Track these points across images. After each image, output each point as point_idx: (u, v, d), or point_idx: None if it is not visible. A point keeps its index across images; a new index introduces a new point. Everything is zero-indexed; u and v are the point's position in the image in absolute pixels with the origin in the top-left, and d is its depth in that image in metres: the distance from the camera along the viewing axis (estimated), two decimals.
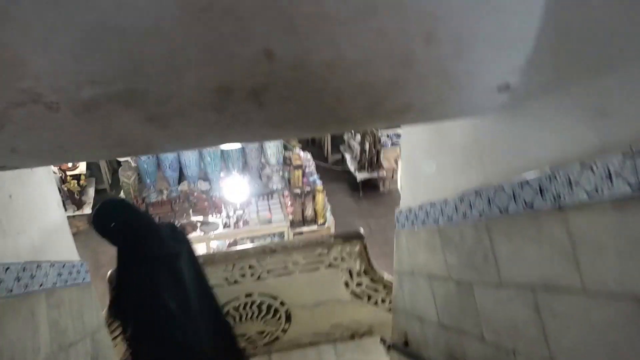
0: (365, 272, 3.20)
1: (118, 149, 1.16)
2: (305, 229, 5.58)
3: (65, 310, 1.58)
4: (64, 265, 1.63)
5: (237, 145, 5.62)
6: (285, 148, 6.12)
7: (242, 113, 1.09)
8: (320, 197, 5.54)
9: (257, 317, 3.19)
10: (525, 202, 1.23)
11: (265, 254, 3.05)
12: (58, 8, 0.89)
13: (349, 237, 3.12)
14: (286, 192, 5.80)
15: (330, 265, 3.14)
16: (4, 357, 1.21)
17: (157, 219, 5.41)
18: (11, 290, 1.24)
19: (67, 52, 0.93)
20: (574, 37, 1.04)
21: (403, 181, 2.46)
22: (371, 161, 7.23)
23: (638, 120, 0.87)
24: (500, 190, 1.34)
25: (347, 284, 3.21)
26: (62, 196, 6.10)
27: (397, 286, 2.62)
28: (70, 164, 6.27)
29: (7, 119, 0.97)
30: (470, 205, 1.52)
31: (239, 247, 5.38)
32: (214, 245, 5.57)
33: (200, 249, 5.50)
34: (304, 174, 5.94)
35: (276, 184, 5.98)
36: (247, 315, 3.17)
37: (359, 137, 7.28)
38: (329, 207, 5.75)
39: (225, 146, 5.43)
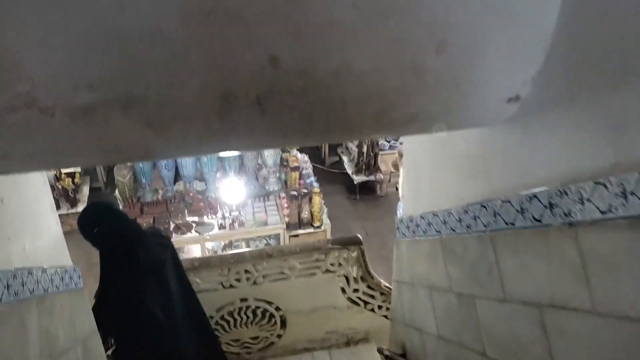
0: (363, 279, 3.16)
1: (115, 154, 1.12)
2: (301, 231, 5.54)
3: (56, 317, 1.54)
4: (56, 271, 1.59)
5: (236, 152, 5.58)
6: (283, 150, 6.08)
7: (245, 120, 1.05)
8: (317, 200, 5.50)
9: (252, 322, 3.15)
10: (533, 217, 1.20)
11: (262, 258, 3.00)
12: (56, 8, 0.85)
13: (346, 242, 3.08)
14: (283, 194, 5.76)
15: (327, 271, 3.10)
16: None
17: (151, 219, 5.36)
18: (0, 299, 1.20)
19: (65, 54, 0.89)
20: (589, 49, 1.01)
21: (405, 190, 2.43)
22: (369, 164, 7.21)
23: None
24: (507, 203, 1.31)
25: (343, 290, 3.17)
26: (55, 194, 6.06)
27: (396, 296, 2.59)
28: None
29: None
30: (475, 217, 1.49)
31: (234, 250, 5.34)
32: (209, 246, 5.52)
33: (194, 250, 5.46)
34: (301, 176, 5.91)
35: (273, 185, 5.94)
36: (242, 320, 3.13)
37: None
38: (325, 209, 5.71)
39: (225, 153, 5.38)
